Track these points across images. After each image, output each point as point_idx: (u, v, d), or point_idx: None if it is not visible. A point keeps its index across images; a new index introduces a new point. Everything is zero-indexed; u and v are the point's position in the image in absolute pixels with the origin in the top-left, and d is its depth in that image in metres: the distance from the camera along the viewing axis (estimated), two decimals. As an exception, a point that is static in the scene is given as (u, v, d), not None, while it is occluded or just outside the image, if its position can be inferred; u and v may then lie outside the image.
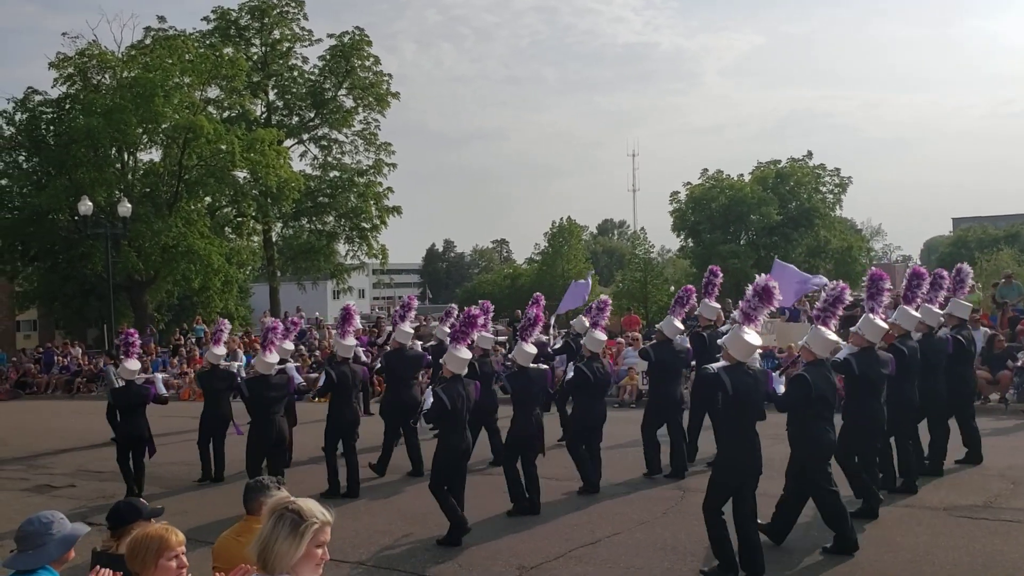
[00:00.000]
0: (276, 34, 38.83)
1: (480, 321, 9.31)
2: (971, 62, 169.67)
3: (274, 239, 40.02)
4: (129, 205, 27.76)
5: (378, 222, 39.65)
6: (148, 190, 32.02)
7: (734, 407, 6.94)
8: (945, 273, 10.37)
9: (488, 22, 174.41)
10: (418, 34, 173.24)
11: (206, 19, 38.20)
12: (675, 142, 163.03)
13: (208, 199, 33.72)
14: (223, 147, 30.92)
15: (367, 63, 39.31)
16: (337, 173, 39.85)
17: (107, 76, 32.59)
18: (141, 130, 30.95)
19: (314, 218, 39.41)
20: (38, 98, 32.79)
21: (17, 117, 32.62)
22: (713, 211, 43.52)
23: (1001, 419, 13.77)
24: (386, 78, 39.78)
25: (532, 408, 9.24)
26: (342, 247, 40.43)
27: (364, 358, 13.63)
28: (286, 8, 38.59)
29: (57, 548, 3.87)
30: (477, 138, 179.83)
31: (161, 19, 34.63)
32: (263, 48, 38.87)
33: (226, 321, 12.96)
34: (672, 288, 46.20)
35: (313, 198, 38.62)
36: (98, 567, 3.93)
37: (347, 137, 40.18)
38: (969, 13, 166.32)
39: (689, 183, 45.24)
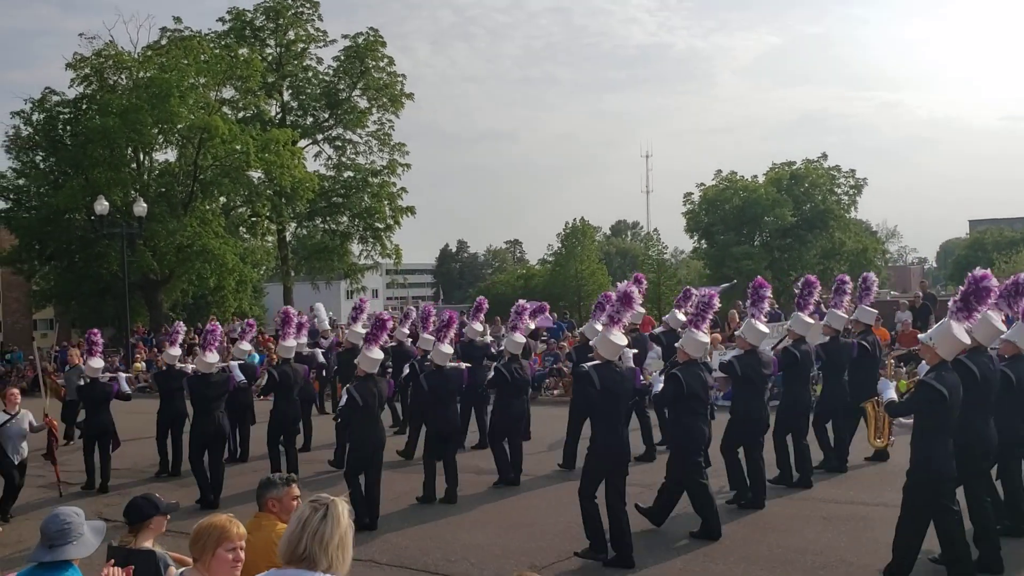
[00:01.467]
0: (291, 35, 38.98)
1: (390, 325, 10.20)
2: (990, 61, 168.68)
3: (288, 239, 40.18)
4: (145, 205, 27.93)
5: (392, 222, 39.75)
6: (163, 190, 32.22)
7: (603, 401, 7.51)
8: (848, 279, 11.03)
9: (502, 23, 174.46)
10: (432, 34, 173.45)
11: (221, 20, 38.46)
12: (689, 143, 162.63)
13: (223, 199, 33.91)
14: (238, 147, 31.08)
15: (381, 64, 39.41)
16: (351, 173, 39.96)
17: (123, 76, 32.84)
18: (157, 130, 31.17)
19: (328, 218, 39.54)
20: (55, 98, 33.10)
21: (34, 117, 32.95)
22: (727, 212, 43.41)
23: None
24: (400, 79, 39.91)
25: (450, 404, 10.23)
26: (356, 247, 40.56)
27: (321, 359, 14.91)
28: (301, 9, 38.73)
29: (94, 539, 3.92)
30: (491, 138, 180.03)
31: (177, 20, 34.93)
32: (278, 49, 39.03)
33: (218, 324, 13.43)
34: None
35: (327, 198, 38.74)
36: (111, 562, 3.95)
37: (361, 137, 40.32)
38: (987, 11, 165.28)
39: (703, 184, 45.18)
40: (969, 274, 6.73)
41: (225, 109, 34.94)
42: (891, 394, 7.02)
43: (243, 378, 11.82)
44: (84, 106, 32.58)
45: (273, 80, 38.32)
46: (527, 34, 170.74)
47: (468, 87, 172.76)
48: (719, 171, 45.36)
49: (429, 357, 10.67)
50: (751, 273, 39.98)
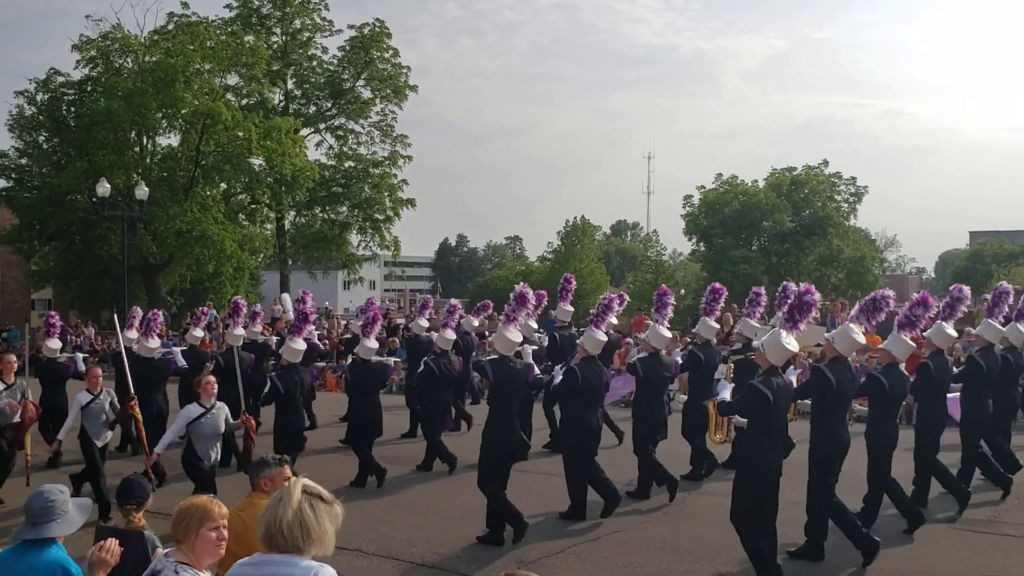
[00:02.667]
0: (297, 23, 39.01)
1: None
2: (995, 73, 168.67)
3: (287, 227, 40.24)
4: (146, 189, 27.99)
5: (391, 214, 39.82)
6: (165, 174, 32.27)
7: (497, 394, 8.30)
8: (762, 292, 11.78)
9: (510, 18, 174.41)
10: (439, 28, 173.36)
11: (228, 6, 38.45)
12: (692, 145, 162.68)
13: (224, 185, 33.95)
14: (240, 134, 31.13)
15: (386, 55, 39.46)
16: (352, 163, 40.02)
17: (129, 60, 32.87)
18: (160, 115, 31.23)
19: (327, 207, 39.62)
20: (60, 79, 33.11)
21: (39, 98, 32.97)
22: (726, 216, 43.45)
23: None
24: (404, 70, 39.95)
25: (372, 396, 10.67)
26: (354, 237, 40.64)
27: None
28: (308, -2, 38.77)
29: (79, 516, 3.99)
30: (495, 134, 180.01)
31: (184, 5, 34.73)
32: (284, 37, 39.07)
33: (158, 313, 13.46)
34: (683, 292, 46.32)
35: (327, 187, 38.80)
36: (105, 540, 4.03)
37: (363, 128, 40.38)
38: (997, 21, 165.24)
39: (703, 187, 45.23)
40: (795, 289, 7.49)
41: (229, 96, 34.99)
42: (726, 395, 7.75)
43: (184, 363, 12.31)
44: (89, 88, 32.62)
45: (278, 68, 38.35)
46: (535, 30, 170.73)
47: (475, 82, 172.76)
48: (719, 174, 45.43)
49: (355, 351, 10.97)
50: (748, 277, 40.09)
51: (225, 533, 3.74)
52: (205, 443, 8.55)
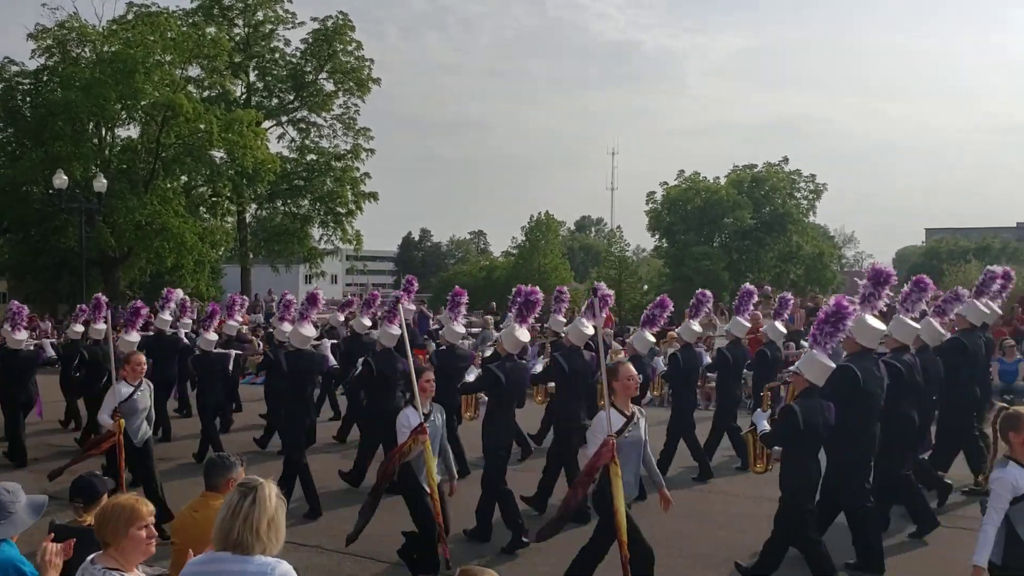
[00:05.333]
0: (259, 15, 38.63)
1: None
2: (957, 75, 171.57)
3: (248, 220, 39.87)
4: (105, 181, 27.62)
5: (353, 207, 39.60)
6: (124, 166, 31.86)
7: (503, 394, 8.45)
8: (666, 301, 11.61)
9: (474, 12, 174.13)
10: (404, 21, 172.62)
11: (190, -3, 37.95)
12: (656, 141, 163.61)
13: (184, 178, 33.59)
14: (201, 126, 30.84)
15: (349, 48, 39.19)
16: (314, 156, 39.73)
17: (87, 50, 32.36)
18: (120, 106, 30.82)
19: (289, 201, 39.31)
20: (15, 68, 32.50)
21: (-9, 87, 32.34)
22: (688, 213, 43.78)
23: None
24: (368, 63, 39.71)
25: (306, 392, 10.33)
26: (316, 231, 40.36)
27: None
28: (271, -11, 38.41)
29: (27, 517, 3.94)
30: (460, 129, 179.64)
31: (144, -6, 34.26)
32: (246, 29, 38.68)
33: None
34: (645, 287, 46.63)
35: (289, 180, 38.49)
36: (51, 536, 4.00)
37: (326, 121, 40.10)
38: (960, 26, 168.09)
39: (666, 183, 45.54)
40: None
41: (190, 87, 34.61)
42: (764, 425, 7.26)
43: (52, 354, 13.22)
44: (45, 78, 32.07)
45: (240, 60, 37.99)
46: (499, 24, 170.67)
47: (439, 76, 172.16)
48: (682, 171, 45.75)
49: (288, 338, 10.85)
50: (710, 273, 40.52)
51: (154, 530, 3.72)
52: (134, 420, 8.53)
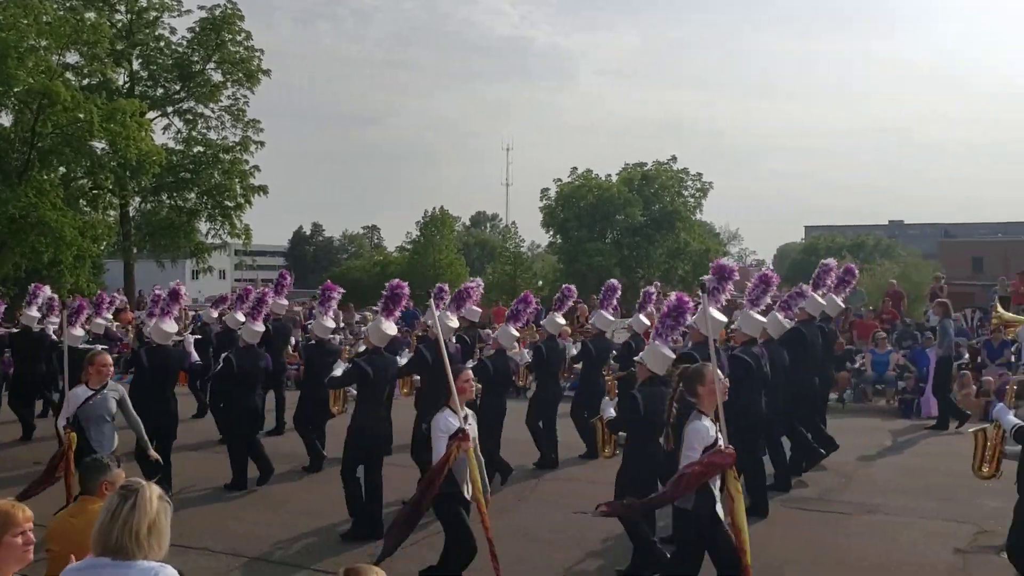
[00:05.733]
0: (143, 1, 37.27)
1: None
2: (834, 77, 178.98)
3: (132, 214, 38.43)
4: (-26, 171, 26.21)
5: (242, 201, 38.59)
6: (-4, 156, 30.25)
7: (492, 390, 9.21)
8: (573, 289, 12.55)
9: (367, 4, 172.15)
10: (296, 11, 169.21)
11: (67, -21, 36.25)
12: (549, 138, 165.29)
13: (63, 169, 32.11)
14: (81, 116, 29.53)
15: (238, 38, 38.17)
16: (201, 148, 38.55)
17: (-46, 32, 30.57)
18: (-10, 92, 29.25)
19: (175, 194, 38.02)
20: None
21: None
22: (581, 209, 44.47)
23: (839, 417, 14.82)
24: (257, 54, 38.78)
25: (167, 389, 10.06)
26: (203, 225, 39.18)
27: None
28: (154, -25, 37.08)
29: None
30: (352, 121, 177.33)
31: (17, -24, 32.57)
32: (128, 15, 37.21)
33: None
34: (540, 283, 47.12)
35: (175, 173, 37.23)
36: None
37: (214, 112, 38.95)
38: (838, 30, 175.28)
39: (560, 180, 46.11)
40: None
41: (68, 75, 33.07)
42: (611, 412, 7.67)
43: None
44: (-93, 61, 30.16)
45: (122, 48, 36.53)
46: (392, 18, 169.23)
47: (332, 67, 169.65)
48: (575, 168, 46.42)
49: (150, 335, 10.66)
50: (602, 269, 41.25)
51: (32, 536, 3.60)
52: (96, 427, 7.68)
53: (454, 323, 9.89)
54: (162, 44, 37.96)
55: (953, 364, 14.32)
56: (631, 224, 44.02)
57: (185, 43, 37.93)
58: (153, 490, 3.08)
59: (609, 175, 46.17)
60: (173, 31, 38.10)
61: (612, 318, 12.32)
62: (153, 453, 7.97)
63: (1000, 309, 11.97)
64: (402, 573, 6.93)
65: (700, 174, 46.72)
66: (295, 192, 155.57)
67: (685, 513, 5.67)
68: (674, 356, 7.34)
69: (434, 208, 53.61)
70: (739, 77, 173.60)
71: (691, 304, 7.60)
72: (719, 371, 5.92)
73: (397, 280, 9.33)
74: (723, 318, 8.12)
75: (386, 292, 9.17)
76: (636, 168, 46.21)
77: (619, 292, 12.70)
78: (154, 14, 37.55)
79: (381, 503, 8.47)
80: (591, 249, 43.17)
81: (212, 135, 38.91)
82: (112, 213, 36.87)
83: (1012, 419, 6.23)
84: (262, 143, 39.36)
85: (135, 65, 38.00)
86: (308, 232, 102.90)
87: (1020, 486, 6.00)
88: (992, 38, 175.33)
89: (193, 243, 38.75)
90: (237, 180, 38.19)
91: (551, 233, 46.78)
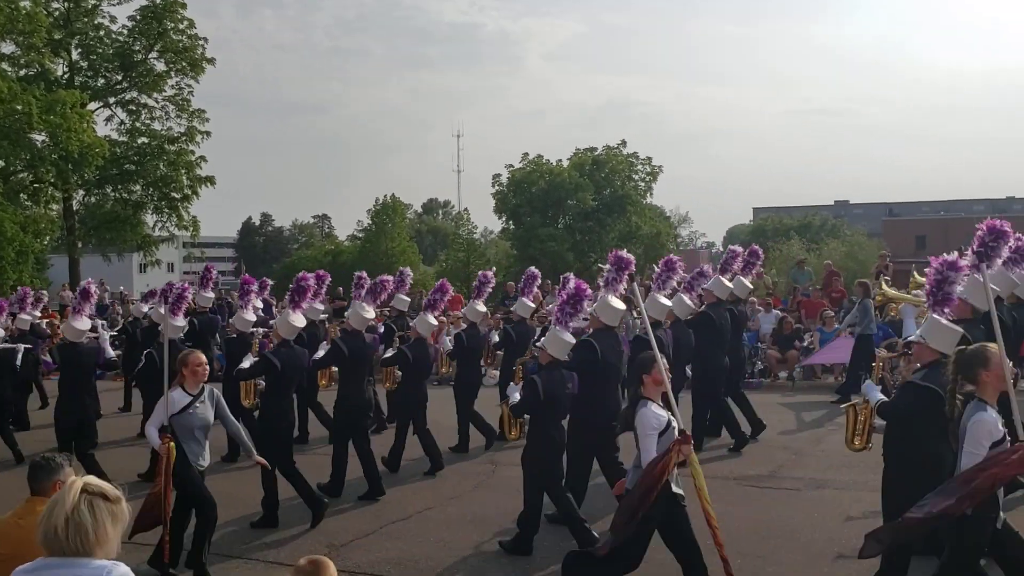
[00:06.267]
0: (80, -11, 36.35)
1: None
2: (775, 61, 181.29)
3: (76, 207, 37.61)
4: (-92, 166, 25.45)
5: (189, 192, 37.96)
6: (-69, 150, 29.40)
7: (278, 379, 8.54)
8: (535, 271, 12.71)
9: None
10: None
11: (0, -33, 35.20)
12: (500, 124, 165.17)
13: (1, 163, 31.35)
14: (19, 107, 28.86)
15: (181, 26, 37.42)
16: (146, 140, 37.76)
17: None
18: (-78, 84, 28.39)
19: (120, 186, 37.27)
20: None
21: None
22: (533, 195, 44.54)
23: (788, 395, 15.09)
24: (201, 42, 38.09)
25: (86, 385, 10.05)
26: (150, 218, 38.49)
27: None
28: (91, -37, 36.16)
29: None
30: (299, 110, 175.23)
31: (-54, -36, 31.57)
32: (65, 4, 36.25)
33: None
34: (494, 269, 47.15)
35: (119, 165, 36.47)
36: None
37: (157, 102, 38.17)
38: (776, 15, 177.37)
39: (511, 166, 46.08)
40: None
41: (4, 65, 32.28)
42: (516, 396, 7.73)
43: None
44: None
45: (60, 37, 35.57)
46: (338, 3, 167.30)
47: (276, 55, 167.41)
48: (526, 154, 46.43)
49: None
50: (555, 255, 41.42)
51: None
52: (193, 441, 7.02)
53: (370, 314, 9.85)
54: (102, 33, 37.05)
55: (873, 342, 14.31)
56: (583, 209, 44.20)
57: (126, 32, 37.07)
58: (77, 484, 3.02)
59: (560, 160, 46.29)
60: (113, 20, 37.23)
61: (532, 304, 12.66)
62: (259, 458, 7.47)
63: (884, 287, 11.92)
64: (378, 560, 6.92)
65: (650, 158, 47.06)
66: (243, 182, 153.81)
67: (966, 519, 4.91)
68: (574, 341, 7.62)
69: (385, 196, 53.29)
70: (684, 62, 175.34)
71: (589, 291, 7.91)
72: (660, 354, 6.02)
73: (303, 272, 9.47)
74: (621, 306, 8.43)
75: (292, 285, 9.27)
76: (586, 153, 46.36)
77: (539, 281, 13.25)
78: (93, 2, 36.63)
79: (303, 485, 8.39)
80: (544, 235, 43.28)
81: (156, 126, 38.18)
82: (55, 207, 36.08)
83: (878, 395, 6.51)
84: (208, 133, 38.75)
85: (74, 55, 37.07)
86: (257, 223, 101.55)
87: (885, 456, 6.33)
88: (915, 24, 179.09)
89: (140, 236, 38.05)
90: (183, 171, 37.53)
91: (504, 219, 46.79)
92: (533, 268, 13.48)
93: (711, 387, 10.74)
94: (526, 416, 7.70)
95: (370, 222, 54.22)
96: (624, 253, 8.65)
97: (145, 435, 7.59)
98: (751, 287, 12.58)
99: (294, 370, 8.61)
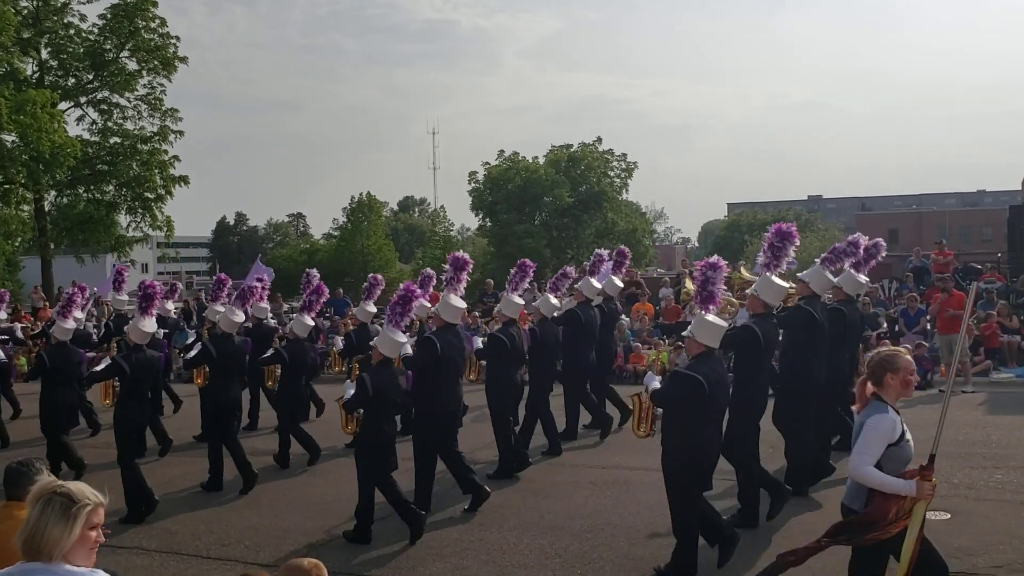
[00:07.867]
0: (50, -13, 35.92)
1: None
2: (749, 57, 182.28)
3: (47, 208, 37.20)
4: None
5: (163, 192, 37.63)
6: (-103, 151, 28.99)
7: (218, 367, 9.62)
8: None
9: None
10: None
11: (-33, -35, 34.72)
12: (476, 122, 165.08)
13: (-30, 163, 30.95)
14: (-12, 108, 28.48)
15: (152, 24, 37.07)
16: (118, 139, 37.38)
17: None
18: None
19: (92, 187, 36.89)
20: None
21: None
22: (509, 192, 44.59)
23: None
24: (173, 41, 37.77)
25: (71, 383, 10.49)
26: (124, 218, 38.12)
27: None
28: (60, -39, 35.74)
29: None
30: (274, 108, 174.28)
31: (-89, -39, 31.09)
32: (34, 2, 35.85)
33: None
34: (462, 252, 47.14)
35: (91, 165, 36.11)
36: None
37: (129, 102, 37.79)
38: (752, 10, 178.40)
39: (487, 163, 46.11)
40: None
41: (-29, 65, 31.86)
42: (655, 384, 7.04)
43: None
44: None
45: (29, 36, 35.14)
46: (310, 1, 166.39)
47: (249, 53, 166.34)
48: (502, 151, 46.48)
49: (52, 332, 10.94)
50: (531, 251, 41.44)
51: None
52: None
53: (239, 317, 10.23)
54: (72, 32, 36.64)
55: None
56: (559, 206, 44.30)
57: (96, 31, 36.69)
58: (72, 492, 3.02)
59: (536, 157, 46.37)
60: (83, 18, 36.81)
61: (521, 302, 12.51)
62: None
63: (743, 271, 11.18)
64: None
65: (625, 154, 47.25)
66: (217, 182, 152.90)
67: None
68: (404, 340, 8.07)
69: (361, 194, 53.13)
70: (658, 58, 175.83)
71: (419, 293, 8.45)
72: None
73: (151, 280, 9.82)
74: (461, 304, 8.96)
75: (140, 292, 9.56)
76: (562, 150, 46.48)
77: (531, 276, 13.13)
78: (62, 1, 36.24)
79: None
80: (520, 231, 43.35)
81: (129, 125, 37.79)
82: (26, 208, 35.62)
83: (655, 384, 6.84)
84: (181, 132, 38.43)
85: (44, 54, 36.63)
86: (232, 222, 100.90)
87: (663, 440, 6.67)
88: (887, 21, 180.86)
89: (113, 237, 37.67)
90: (157, 171, 37.18)
91: (480, 216, 46.82)
92: (527, 260, 12.93)
93: (574, 382, 11.38)
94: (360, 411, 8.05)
95: (345, 220, 54.03)
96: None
97: None
98: (621, 286, 13.00)
99: (232, 359, 9.87)
